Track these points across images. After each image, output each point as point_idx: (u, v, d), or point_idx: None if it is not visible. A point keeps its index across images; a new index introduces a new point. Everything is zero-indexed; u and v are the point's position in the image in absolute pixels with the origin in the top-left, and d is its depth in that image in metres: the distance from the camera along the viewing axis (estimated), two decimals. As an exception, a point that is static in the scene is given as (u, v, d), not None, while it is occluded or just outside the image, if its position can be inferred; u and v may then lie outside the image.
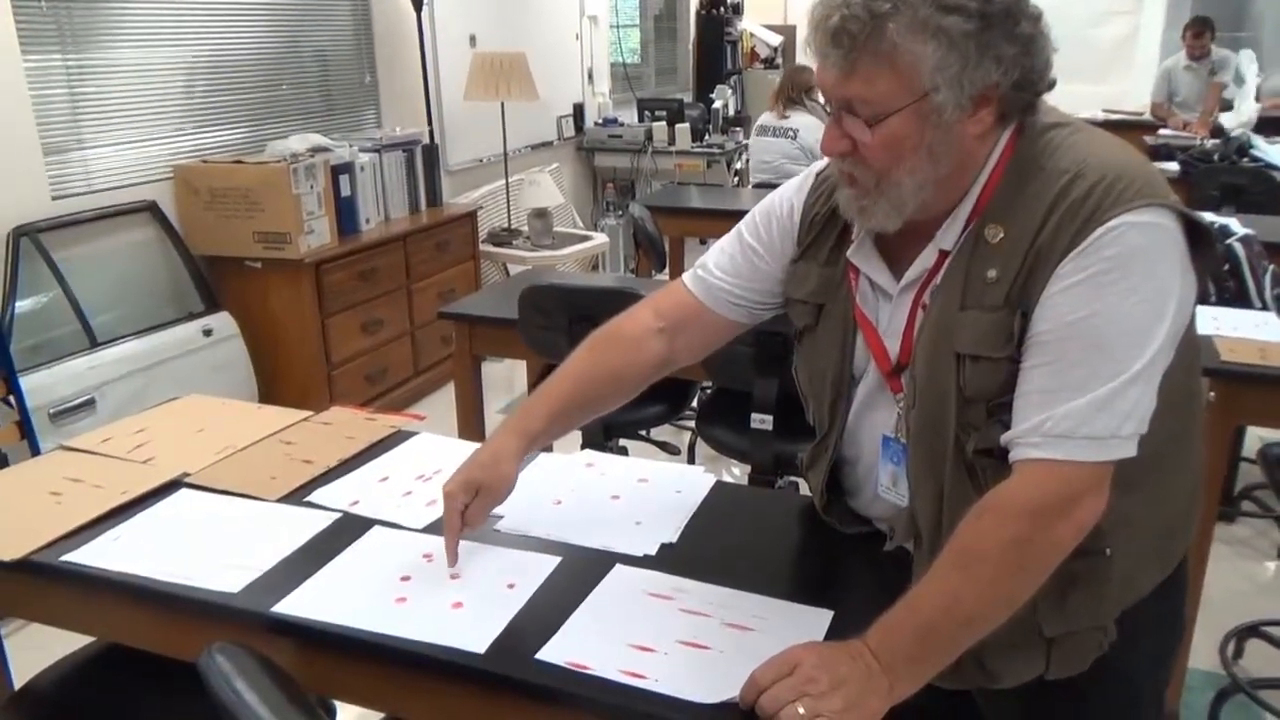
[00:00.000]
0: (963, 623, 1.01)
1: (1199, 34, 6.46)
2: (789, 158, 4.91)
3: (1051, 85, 1.11)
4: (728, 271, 1.35)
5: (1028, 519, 1.01)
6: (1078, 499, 1.02)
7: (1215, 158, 4.98)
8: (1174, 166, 4.96)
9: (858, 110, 1.07)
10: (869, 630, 1.02)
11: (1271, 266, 2.93)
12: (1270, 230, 3.34)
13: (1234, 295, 2.89)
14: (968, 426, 1.09)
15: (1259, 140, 5.11)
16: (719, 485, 1.52)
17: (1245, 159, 4.94)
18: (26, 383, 2.74)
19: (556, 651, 1.11)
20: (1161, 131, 6.11)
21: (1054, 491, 1.02)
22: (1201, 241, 1.06)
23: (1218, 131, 5.79)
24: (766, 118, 5.05)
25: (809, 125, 4.85)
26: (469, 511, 1.29)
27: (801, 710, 0.96)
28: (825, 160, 1.24)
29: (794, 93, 4.91)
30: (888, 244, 1.21)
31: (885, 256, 1.21)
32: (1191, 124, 6.20)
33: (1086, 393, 1.00)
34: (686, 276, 1.39)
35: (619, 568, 1.29)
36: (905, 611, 1.02)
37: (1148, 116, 6.73)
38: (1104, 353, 1.01)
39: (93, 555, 1.33)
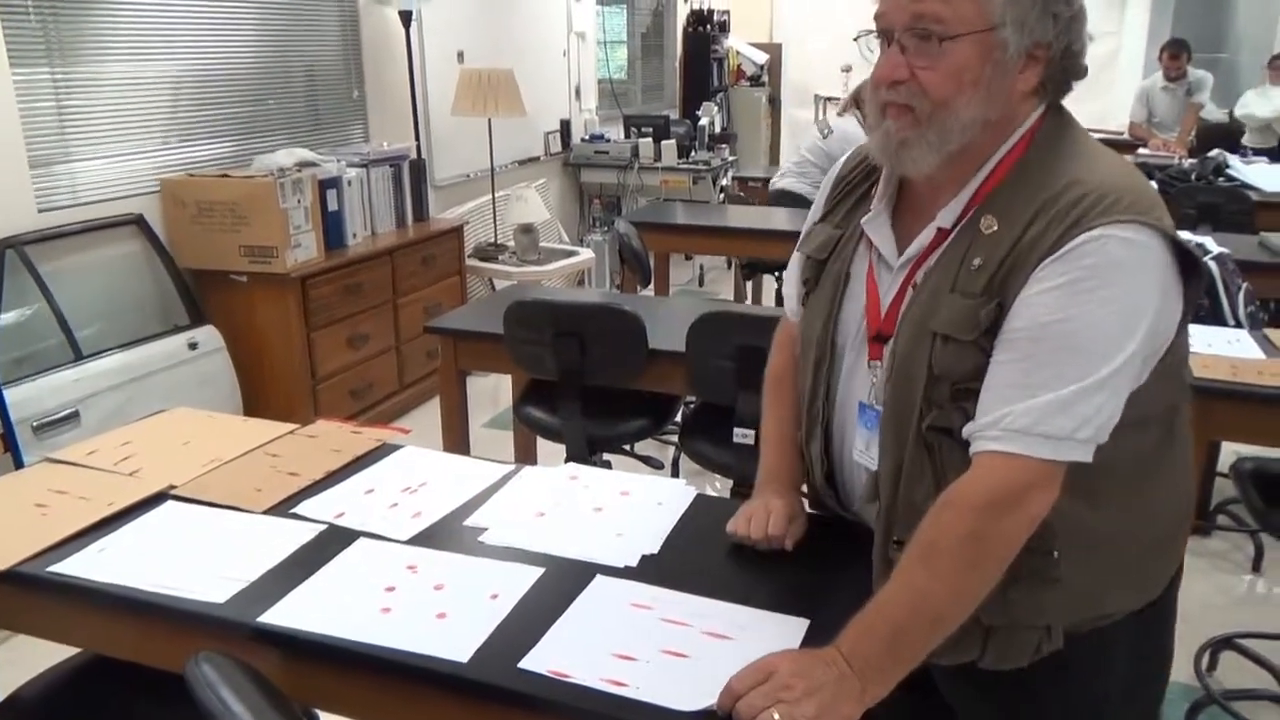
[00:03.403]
0: (930, 622, 1.05)
1: (1175, 55, 6.56)
2: (810, 150, 4.54)
3: (1084, 73, 1.17)
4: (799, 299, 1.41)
5: (981, 512, 1.05)
6: (1026, 492, 1.05)
7: (1192, 177, 5.05)
8: (1152, 185, 5.03)
9: (930, 28, 1.10)
10: (841, 635, 1.05)
11: (1245, 284, 2.98)
12: (1244, 248, 3.41)
13: (1208, 313, 2.94)
14: (931, 402, 1.12)
15: (1235, 160, 5.20)
16: (700, 498, 1.54)
17: (1221, 179, 5.02)
18: (10, 395, 2.75)
19: (539, 660, 1.13)
20: (1140, 151, 6.19)
21: (1004, 483, 1.05)
22: (1189, 269, 1.09)
23: (1195, 150, 5.89)
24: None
25: (841, 132, 4.29)
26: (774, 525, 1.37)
27: (776, 716, 0.98)
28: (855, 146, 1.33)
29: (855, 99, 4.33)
30: (899, 218, 1.25)
31: (895, 230, 1.24)
32: (1170, 144, 6.29)
33: (1049, 392, 1.04)
34: (786, 312, 1.47)
35: (600, 578, 1.31)
36: (875, 615, 1.05)
37: (1127, 136, 6.82)
38: (1072, 356, 1.04)
39: (79, 566, 1.34)
